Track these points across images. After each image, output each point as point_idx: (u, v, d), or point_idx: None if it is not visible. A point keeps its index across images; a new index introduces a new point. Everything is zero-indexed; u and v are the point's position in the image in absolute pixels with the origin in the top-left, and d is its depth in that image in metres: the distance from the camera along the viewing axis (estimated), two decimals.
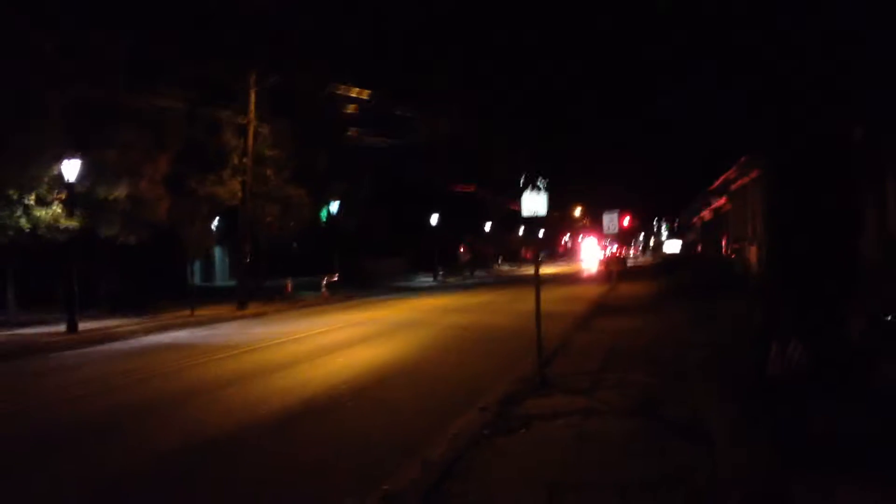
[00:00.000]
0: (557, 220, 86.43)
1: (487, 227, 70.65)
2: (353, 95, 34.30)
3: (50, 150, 21.28)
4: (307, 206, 35.10)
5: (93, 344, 19.49)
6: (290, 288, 34.59)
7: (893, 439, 6.50)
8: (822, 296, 8.07)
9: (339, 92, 34.06)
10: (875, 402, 7.18)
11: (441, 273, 55.37)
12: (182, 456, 8.37)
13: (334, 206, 39.23)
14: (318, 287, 35.69)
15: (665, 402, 9.38)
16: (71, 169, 20.98)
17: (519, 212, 11.58)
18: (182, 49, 26.22)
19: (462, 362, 14.39)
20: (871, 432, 6.64)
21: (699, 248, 62.07)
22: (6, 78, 20.14)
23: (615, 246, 56.58)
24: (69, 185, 21.38)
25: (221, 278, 52.39)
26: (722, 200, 41.97)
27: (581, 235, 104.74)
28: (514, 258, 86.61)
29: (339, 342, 17.85)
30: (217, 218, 33.47)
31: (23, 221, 21.52)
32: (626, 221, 49.65)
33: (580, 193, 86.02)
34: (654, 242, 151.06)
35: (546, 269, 63.44)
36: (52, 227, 21.63)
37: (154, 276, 31.92)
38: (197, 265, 37.39)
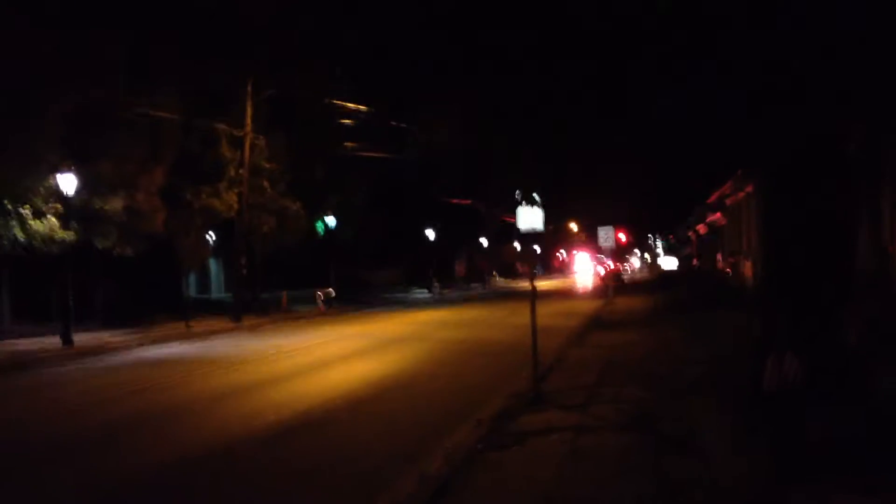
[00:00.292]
0: (553, 234, 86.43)
1: (483, 240, 70.60)
2: (351, 106, 34.35)
3: (45, 162, 21.28)
4: (303, 218, 35.12)
5: (88, 357, 19.45)
6: (285, 300, 34.55)
7: (890, 448, 6.51)
8: (818, 306, 8.10)
9: (336, 103, 34.10)
10: (872, 411, 7.20)
11: (437, 286, 55.31)
12: (177, 468, 8.34)
13: (330, 219, 39.22)
14: (313, 299, 35.63)
15: (660, 416, 9.36)
16: (67, 181, 20.96)
17: (514, 225, 11.60)
18: (178, 59, 26.24)
19: (457, 376, 14.36)
20: (868, 441, 6.65)
21: (695, 263, 62.15)
22: (1, 88, 20.14)
23: (611, 261, 56.52)
24: (65, 197, 21.36)
25: (217, 290, 52.27)
26: (717, 215, 42.08)
27: (575, 250, 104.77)
28: (510, 272, 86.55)
29: (334, 355, 17.82)
30: (213, 230, 33.47)
31: (18, 233, 21.51)
32: (622, 236, 49.66)
33: (576, 207, 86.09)
34: (650, 257, 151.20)
35: (542, 284, 63.44)
36: (48, 238, 21.61)
37: (149, 289, 31.82)
38: (192, 277, 37.37)
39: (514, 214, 11.64)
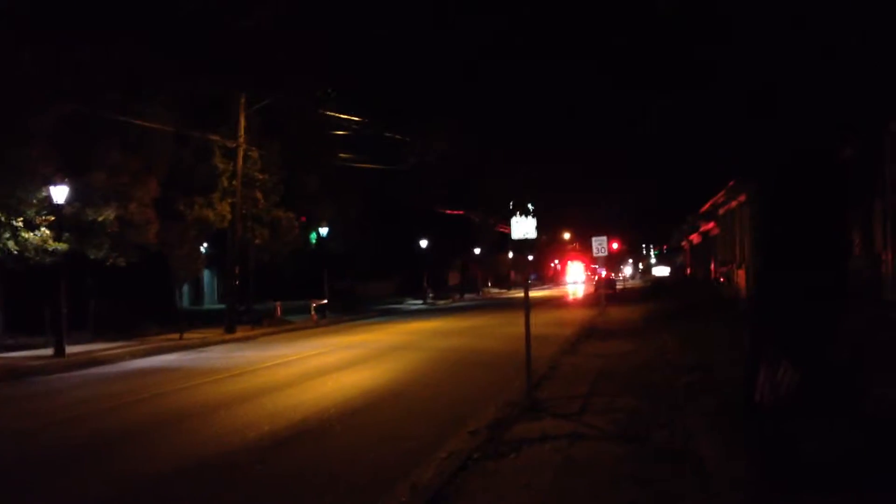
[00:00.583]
0: (546, 243, 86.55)
1: (477, 250, 70.71)
2: (344, 117, 34.39)
3: (38, 173, 21.27)
4: (296, 228, 35.13)
5: (80, 368, 19.39)
6: (279, 311, 34.51)
7: (883, 461, 6.51)
8: (810, 318, 8.10)
9: (329, 114, 34.14)
10: (865, 425, 7.20)
11: (430, 296, 55.36)
12: (171, 479, 8.33)
13: (324, 229, 39.24)
14: (307, 310, 35.60)
15: (654, 426, 9.36)
16: (59, 192, 20.97)
17: (508, 235, 11.64)
18: (172, 72, 26.25)
19: (452, 385, 14.36)
20: (860, 455, 6.65)
21: (688, 272, 62.26)
22: None
23: (604, 270, 56.63)
24: (57, 208, 21.36)
25: (210, 301, 52.25)
26: (710, 224, 42.19)
27: (567, 260, 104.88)
28: (503, 281, 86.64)
29: (328, 366, 17.81)
30: (206, 241, 33.44)
31: (10, 244, 21.47)
32: (615, 245, 49.79)
33: (569, 217, 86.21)
34: (643, 266, 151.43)
35: (535, 293, 63.49)
36: (40, 249, 21.58)
37: (142, 300, 31.77)
38: (185, 288, 37.36)
39: (507, 224, 11.68)
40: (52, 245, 21.59)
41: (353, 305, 43.77)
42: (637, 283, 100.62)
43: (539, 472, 7.69)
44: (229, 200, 30.43)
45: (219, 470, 8.64)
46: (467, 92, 44.27)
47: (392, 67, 37.36)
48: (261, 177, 32.29)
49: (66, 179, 21.31)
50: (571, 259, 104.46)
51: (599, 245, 35.95)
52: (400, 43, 33.10)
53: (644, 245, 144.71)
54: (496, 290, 79.04)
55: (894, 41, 8.49)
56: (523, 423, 9.94)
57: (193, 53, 26.49)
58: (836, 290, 8.28)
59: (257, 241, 33.45)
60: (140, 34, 24.42)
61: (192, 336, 26.83)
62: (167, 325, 28.69)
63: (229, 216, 30.36)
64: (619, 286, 66.54)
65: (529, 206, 11.31)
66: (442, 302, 55.25)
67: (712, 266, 43.45)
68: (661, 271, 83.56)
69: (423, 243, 54.51)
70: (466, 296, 64.92)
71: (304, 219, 37.43)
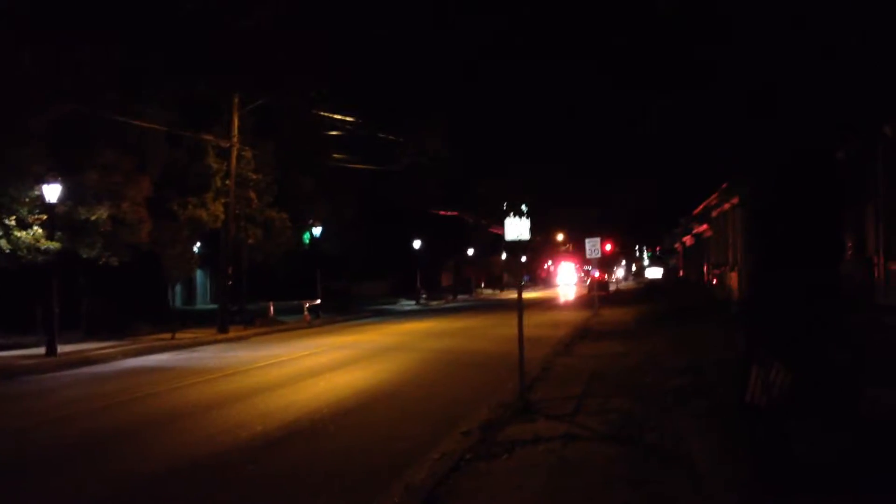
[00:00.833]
0: (540, 245, 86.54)
1: (470, 251, 70.68)
2: (338, 118, 34.36)
3: (31, 172, 21.21)
4: (290, 229, 35.10)
5: (72, 367, 19.34)
6: (271, 311, 34.46)
7: (875, 463, 6.52)
8: (803, 320, 8.11)
9: (323, 114, 34.09)
10: (858, 426, 7.21)
11: (424, 297, 55.33)
12: (164, 479, 8.30)
13: (317, 230, 39.20)
14: (300, 311, 35.57)
15: (647, 427, 9.37)
16: (52, 190, 20.91)
17: (501, 236, 11.63)
18: (165, 72, 26.22)
19: (445, 386, 14.35)
20: (854, 456, 6.66)
21: (681, 274, 62.38)
22: None
23: (597, 271, 56.66)
24: (50, 207, 21.30)
25: (202, 301, 52.18)
26: (703, 227, 42.27)
27: (559, 262, 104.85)
28: (497, 283, 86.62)
29: (320, 366, 17.78)
30: (199, 241, 33.39)
31: (3, 242, 21.41)
32: (609, 247, 49.80)
33: (562, 218, 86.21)
34: (637, 268, 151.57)
35: (529, 294, 63.48)
36: (33, 248, 21.51)
37: (135, 299, 31.68)
38: (178, 288, 37.32)
39: (501, 225, 11.67)
40: (45, 244, 21.52)
41: (346, 306, 43.72)
42: (630, 284, 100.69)
43: (532, 473, 7.69)
44: (223, 200, 30.38)
45: (211, 470, 8.62)
46: (462, 92, 44.17)
47: (387, 67, 37.29)
48: (254, 177, 32.25)
49: (59, 178, 21.25)
50: (563, 260, 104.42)
51: (592, 246, 35.96)
52: (396, 42, 33.08)
53: (637, 247, 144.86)
54: (489, 292, 79.02)
55: (889, 45, 8.52)
56: (516, 425, 9.94)
57: (188, 54, 26.46)
58: (829, 292, 8.30)
59: (250, 241, 33.40)
60: (135, 35, 24.40)
61: (185, 336, 26.78)
62: (159, 324, 28.63)
63: (222, 216, 30.31)
64: (612, 288, 66.58)
65: (523, 207, 11.31)
66: (435, 303, 55.23)
67: (705, 268, 43.54)
68: (655, 273, 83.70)
69: (417, 244, 54.49)
70: (460, 297, 64.88)
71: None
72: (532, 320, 27.94)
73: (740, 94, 9.19)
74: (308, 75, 31.53)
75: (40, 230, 21.77)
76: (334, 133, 35.98)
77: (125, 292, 30.79)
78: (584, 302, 46.14)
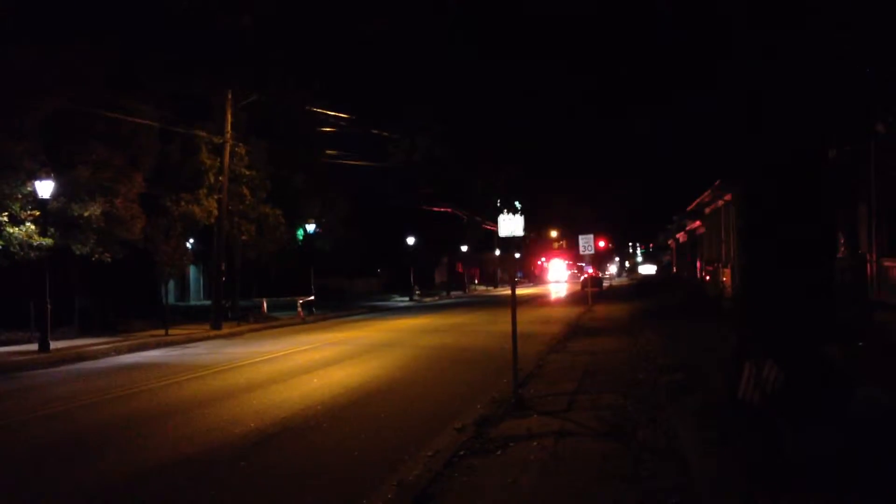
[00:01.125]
0: (533, 241, 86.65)
1: (464, 248, 70.77)
2: (332, 114, 34.32)
3: (23, 168, 21.17)
4: (283, 225, 35.10)
5: (65, 363, 19.31)
6: (265, 308, 34.46)
7: (863, 462, 6.55)
8: (796, 317, 8.14)
9: (316, 111, 34.07)
10: (849, 424, 7.24)
11: (417, 293, 55.37)
12: (154, 476, 8.29)
13: (311, 226, 39.18)
14: (293, 307, 35.57)
15: (639, 424, 9.40)
16: (44, 187, 20.88)
17: (495, 232, 11.66)
18: (158, 68, 26.18)
19: (438, 383, 14.37)
20: (844, 455, 6.69)
21: (674, 270, 62.50)
22: None
23: (591, 268, 56.77)
24: (43, 203, 21.26)
25: (196, 297, 52.10)
26: (696, 223, 42.36)
27: (554, 257, 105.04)
28: (490, 279, 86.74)
29: (314, 362, 17.78)
30: (192, 237, 33.36)
31: None
32: (602, 243, 49.90)
33: (556, 215, 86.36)
34: (630, 264, 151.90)
35: (522, 290, 63.56)
36: (25, 244, 21.47)
37: (128, 295, 31.69)
38: (171, 284, 37.18)
39: (495, 222, 11.70)
40: (38, 240, 21.48)
41: (339, 302, 43.73)
42: (623, 281, 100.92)
43: (525, 469, 7.71)
44: (216, 196, 30.37)
45: (204, 466, 8.61)
46: (455, 89, 44.16)
47: (380, 64, 37.27)
48: (248, 173, 32.23)
49: (52, 174, 21.21)
50: (555, 257, 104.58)
51: (586, 243, 36.04)
52: (390, 38, 33.05)
53: (630, 243, 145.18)
54: (483, 288, 79.13)
55: (880, 43, 8.55)
56: (510, 421, 9.97)
57: (181, 50, 26.44)
58: (821, 290, 8.34)
59: (244, 238, 33.39)
60: (128, 31, 24.37)
61: (178, 332, 26.76)
62: (153, 320, 28.62)
63: (216, 212, 30.29)
64: (605, 284, 66.73)
65: (517, 203, 11.33)
66: (429, 299, 55.28)
67: (698, 265, 43.64)
68: (648, 270, 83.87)
69: (411, 241, 54.52)
70: (453, 293, 64.95)
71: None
72: (526, 317, 27.98)
73: (732, 96, 9.22)
74: (298, 72, 31.55)
75: (33, 226, 21.73)
76: (328, 130, 35.95)
77: (118, 288, 30.79)
78: (578, 298, 46.24)
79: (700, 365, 12.82)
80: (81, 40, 22.43)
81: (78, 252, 24.62)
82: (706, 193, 32.85)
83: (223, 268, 31.00)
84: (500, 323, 26.24)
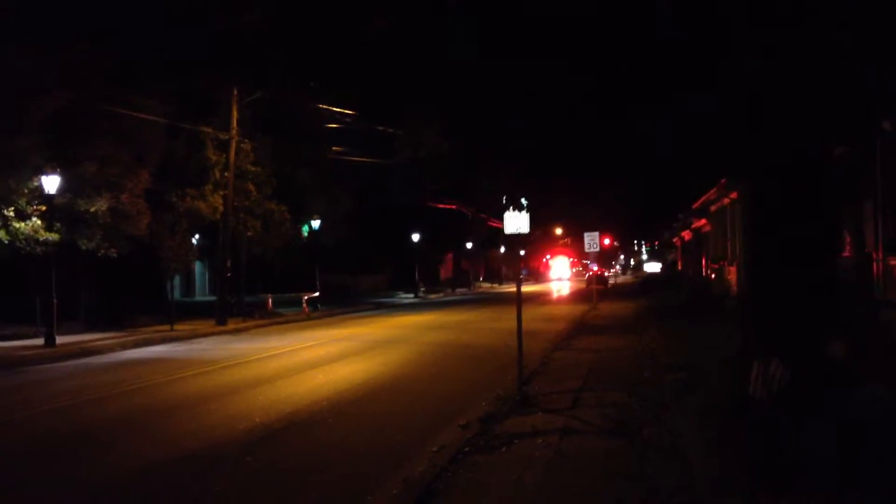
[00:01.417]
0: (538, 239, 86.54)
1: (468, 245, 70.75)
2: (337, 111, 34.32)
3: (30, 163, 21.23)
4: (288, 221, 35.11)
5: (71, 358, 19.37)
6: (270, 304, 34.50)
7: (869, 461, 6.54)
8: (802, 315, 8.13)
9: (322, 107, 34.08)
10: (853, 423, 7.23)
11: (422, 290, 55.37)
12: (159, 471, 8.31)
13: (315, 222, 39.22)
14: (297, 303, 35.63)
15: (644, 422, 9.40)
16: (51, 182, 20.93)
17: (500, 230, 11.65)
18: (163, 62, 26.22)
19: (442, 380, 14.38)
20: (848, 455, 6.68)
21: (679, 268, 62.42)
22: None
23: (596, 265, 56.69)
24: (49, 198, 21.31)
25: (201, 293, 52.21)
26: (702, 221, 42.26)
27: (555, 255, 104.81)
28: (495, 276, 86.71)
29: (319, 358, 17.81)
30: (198, 233, 33.40)
31: (1, 233, 21.42)
32: (607, 241, 49.85)
33: (562, 212, 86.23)
34: (635, 262, 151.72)
35: (527, 288, 63.51)
36: (32, 239, 21.52)
37: (133, 291, 31.76)
38: (177, 280, 37.21)
39: (500, 219, 11.69)
40: (44, 235, 21.54)
41: (344, 299, 43.76)
42: (628, 279, 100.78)
43: (530, 466, 7.72)
44: (221, 192, 30.40)
45: (209, 461, 8.64)
46: (456, 89, 44.10)
47: (385, 60, 37.22)
48: (253, 169, 32.26)
49: (58, 170, 21.25)
50: (558, 254, 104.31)
51: (591, 240, 35.96)
52: (395, 35, 33.04)
53: (636, 241, 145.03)
54: (487, 285, 79.10)
55: (886, 40, 8.53)
56: (515, 418, 9.97)
57: (187, 47, 26.47)
58: (825, 288, 8.32)
59: (249, 234, 33.42)
60: (129, 31, 24.42)
61: (183, 327, 26.81)
62: (158, 316, 28.67)
63: (221, 208, 30.33)
64: (610, 282, 66.63)
65: (523, 200, 11.32)
66: (433, 296, 55.29)
67: (703, 263, 43.57)
68: (653, 267, 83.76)
69: (416, 237, 54.50)
70: (458, 290, 64.96)
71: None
72: (531, 314, 27.97)
73: (732, 96, 9.21)
74: (304, 68, 31.57)
75: (39, 221, 21.79)
76: (333, 126, 35.95)
77: (124, 284, 30.86)
78: (583, 296, 46.21)
79: (705, 363, 12.79)
80: (82, 40, 22.47)
81: (84, 247, 24.69)
82: (712, 191, 32.78)
83: (228, 264, 31.05)
84: (504, 320, 26.23)
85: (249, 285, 36.45)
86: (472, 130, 48.02)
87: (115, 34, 23.81)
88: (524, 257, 14.12)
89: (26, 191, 21.79)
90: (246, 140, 31.51)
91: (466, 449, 8.44)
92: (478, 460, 8.05)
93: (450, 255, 73.47)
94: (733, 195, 28.54)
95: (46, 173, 20.98)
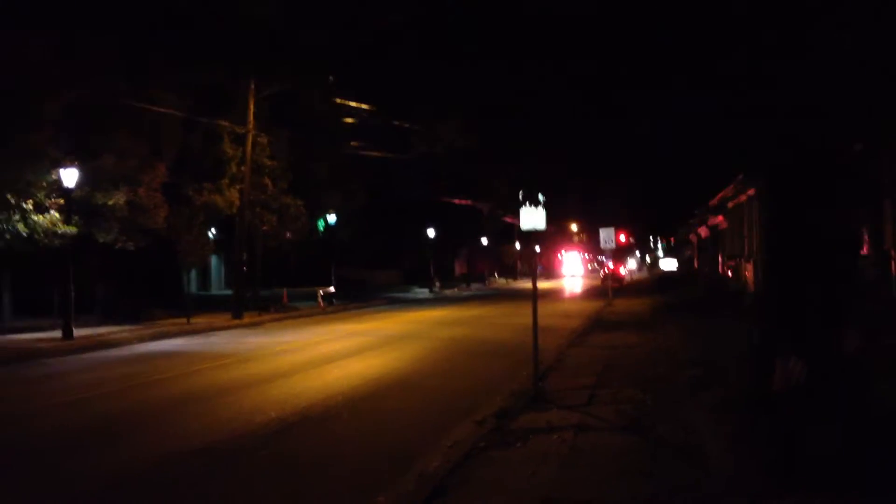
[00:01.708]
0: (554, 234, 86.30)
1: (484, 240, 70.67)
2: (353, 105, 34.33)
3: (48, 156, 21.33)
4: (304, 216, 35.16)
5: (88, 350, 19.49)
6: (285, 298, 34.60)
7: (883, 459, 6.51)
8: (819, 312, 8.09)
9: (338, 101, 34.09)
10: (869, 421, 7.20)
11: (437, 285, 55.37)
12: (175, 463, 8.35)
13: (331, 217, 39.25)
14: (313, 297, 35.72)
15: (659, 419, 9.38)
16: (69, 175, 21.04)
17: (515, 225, 11.64)
18: (181, 57, 26.28)
19: (458, 375, 14.39)
20: (863, 452, 6.65)
21: (695, 265, 62.18)
22: (2, 82, 20.17)
23: (611, 262, 56.51)
24: (67, 191, 21.42)
25: (217, 287, 52.40)
26: (719, 218, 42.10)
27: (573, 250, 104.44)
28: (510, 272, 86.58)
29: (334, 353, 17.85)
30: (214, 226, 33.52)
31: (20, 226, 21.53)
32: (623, 237, 49.64)
33: (576, 208, 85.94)
34: (651, 259, 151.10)
35: (542, 284, 63.39)
36: (49, 232, 21.62)
37: (150, 284, 31.91)
38: (193, 273, 37.42)
39: (516, 215, 11.66)
40: (62, 228, 21.64)
41: (359, 293, 43.82)
42: (644, 276, 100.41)
43: (545, 461, 7.72)
44: (238, 186, 30.47)
45: (225, 454, 8.67)
46: (476, 81, 44.01)
47: (402, 55, 37.18)
48: (269, 163, 32.30)
49: (76, 163, 21.36)
50: (571, 249, 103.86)
51: (607, 236, 35.83)
52: (413, 29, 33.03)
53: (651, 238, 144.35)
54: (503, 281, 78.97)
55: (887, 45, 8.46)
56: (530, 414, 9.97)
57: (203, 40, 26.50)
58: (844, 285, 8.27)
59: (265, 228, 33.48)
60: (152, 20, 24.47)
61: (200, 321, 26.93)
62: (174, 309, 28.79)
63: (237, 202, 30.40)
64: (625, 279, 66.42)
65: (540, 196, 11.29)
66: (448, 291, 55.27)
67: (720, 260, 43.41)
68: (669, 264, 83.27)
69: (431, 233, 54.46)
70: (473, 285, 64.89)
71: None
72: (546, 310, 27.89)
73: (754, 94, 9.15)
74: (321, 63, 31.56)
75: (57, 214, 21.89)
76: (349, 121, 35.94)
77: (141, 277, 31.02)
78: (598, 292, 46.10)
79: (720, 360, 12.74)
80: (105, 29, 22.55)
81: (101, 240, 24.80)
82: (729, 188, 32.67)
83: (244, 258, 31.14)
84: (519, 316, 26.22)
85: (265, 279, 36.50)
86: (491, 122, 47.93)
87: (133, 27, 23.86)
88: (540, 253, 14.07)
89: (45, 184, 21.89)
90: (262, 134, 31.56)
91: (481, 444, 8.45)
92: (492, 455, 8.06)
93: (465, 251, 73.42)
94: (750, 192, 28.41)
95: (64, 166, 21.08)
